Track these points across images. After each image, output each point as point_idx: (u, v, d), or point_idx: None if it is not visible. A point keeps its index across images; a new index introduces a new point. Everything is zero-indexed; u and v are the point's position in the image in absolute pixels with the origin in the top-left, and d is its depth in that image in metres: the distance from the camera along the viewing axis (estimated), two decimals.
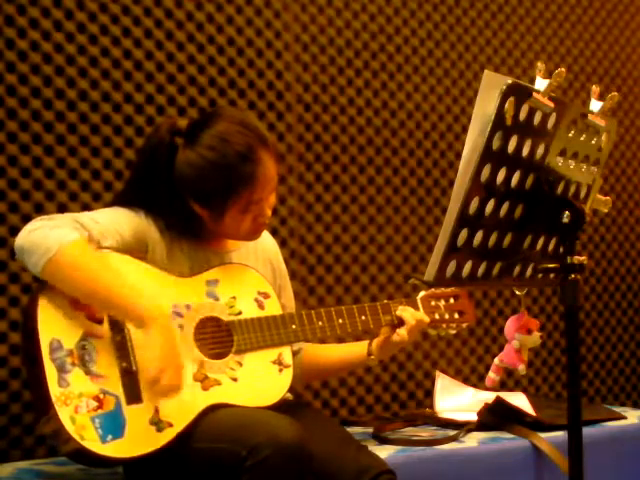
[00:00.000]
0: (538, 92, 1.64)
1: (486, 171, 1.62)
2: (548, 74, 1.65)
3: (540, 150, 1.72)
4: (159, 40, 2.70)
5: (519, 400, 2.76)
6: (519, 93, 1.62)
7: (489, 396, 2.74)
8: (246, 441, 1.85)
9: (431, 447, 2.41)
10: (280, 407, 2.04)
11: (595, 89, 1.82)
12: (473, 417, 2.62)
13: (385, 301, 2.31)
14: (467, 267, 1.68)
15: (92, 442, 1.87)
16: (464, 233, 1.64)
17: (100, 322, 1.96)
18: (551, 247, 1.84)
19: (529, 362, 2.67)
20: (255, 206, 2.09)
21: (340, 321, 2.22)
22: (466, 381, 3.12)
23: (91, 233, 1.97)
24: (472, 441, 2.49)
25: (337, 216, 3.01)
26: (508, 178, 1.68)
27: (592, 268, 3.53)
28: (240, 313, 2.12)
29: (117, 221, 2.03)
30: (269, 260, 2.30)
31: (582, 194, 1.87)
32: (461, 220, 1.62)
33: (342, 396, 2.99)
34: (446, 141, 3.22)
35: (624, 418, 2.78)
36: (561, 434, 2.49)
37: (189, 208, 2.09)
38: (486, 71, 1.61)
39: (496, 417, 2.59)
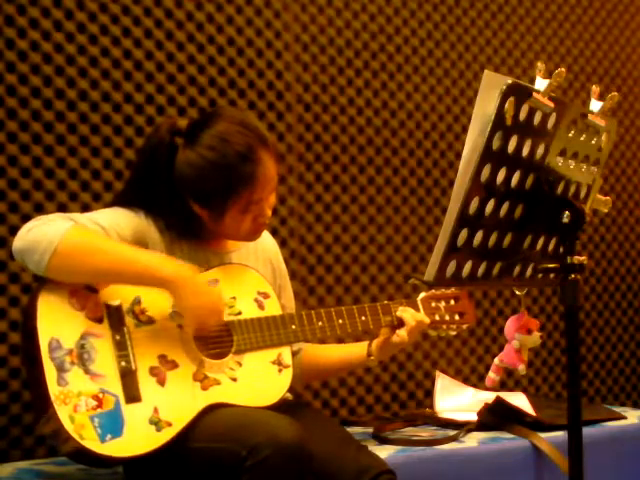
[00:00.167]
0: (538, 92, 1.64)
1: (486, 171, 1.62)
2: (548, 74, 1.65)
3: (540, 150, 1.72)
4: (159, 40, 2.70)
5: (519, 400, 2.76)
6: (519, 93, 1.62)
7: (489, 396, 2.74)
8: (246, 441, 1.85)
9: (431, 447, 2.41)
10: (280, 407, 2.04)
11: (595, 89, 1.82)
12: (473, 417, 2.62)
13: (385, 302, 2.31)
14: (467, 267, 1.68)
15: (91, 441, 1.87)
16: (464, 233, 1.64)
17: (100, 321, 1.97)
18: (551, 247, 1.84)
19: (529, 362, 2.67)
20: (255, 206, 2.09)
21: (340, 321, 2.22)
22: (466, 381, 3.12)
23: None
24: (472, 441, 2.48)
25: (337, 216, 3.01)
26: (508, 178, 1.68)
27: (592, 268, 3.53)
28: (240, 313, 2.12)
29: (117, 221, 2.03)
30: (269, 260, 2.30)
31: (582, 194, 1.87)
32: (461, 220, 1.62)
33: (342, 396, 2.99)
34: (446, 141, 3.22)
35: (624, 418, 2.78)
36: (561, 434, 2.49)
37: (189, 208, 2.09)
38: (486, 71, 1.61)
39: (496, 417, 2.59)
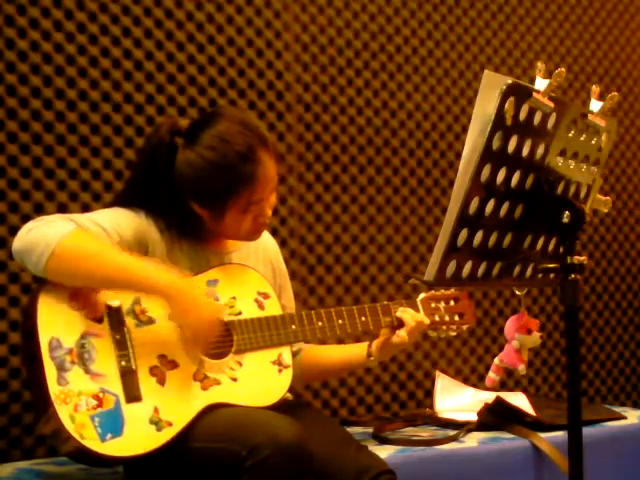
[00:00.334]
0: (538, 92, 1.64)
1: (486, 171, 1.62)
2: (548, 74, 1.65)
3: (540, 150, 1.72)
4: (159, 40, 2.70)
5: (519, 400, 2.76)
6: (519, 93, 1.62)
7: (489, 396, 2.74)
8: (246, 441, 1.85)
9: (431, 447, 2.41)
10: (280, 407, 2.04)
11: (595, 89, 1.82)
12: (473, 417, 2.62)
13: (385, 302, 2.31)
14: (467, 267, 1.68)
15: (91, 441, 1.87)
16: (464, 233, 1.64)
17: (100, 321, 1.97)
18: (551, 247, 1.84)
19: (529, 362, 2.67)
20: (255, 206, 2.09)
21: (340, 322, 2.22)
22: (466, 381, 3.12)
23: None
24: (472, 441, 2.48)
25: (337, 216, 3.01)
26: (508, 178, 1.68)
27: (592, 268, 3.53)
28: (240, 313, 2.12)
29: (117, 222, 2.03)
30: (269, 260, 2.30)
31: (582, 194, 1.87)
32: (461, 220, 1.62)
33: (342, 396, 2.99)
34: (446, 141, 3.22)
35: (624, 418, 2.78)
36: (561, 434, 2.49)
37: (189, 208, 2.09)
38: (486, 71, 1.62)
39: (496, 417, 2.59)
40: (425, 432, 2.58)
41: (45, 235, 1.91)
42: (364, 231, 3.06)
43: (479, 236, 1.67)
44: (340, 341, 2.59)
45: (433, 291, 2.39)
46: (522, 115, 1.64)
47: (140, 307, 2.01)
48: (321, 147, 2.99)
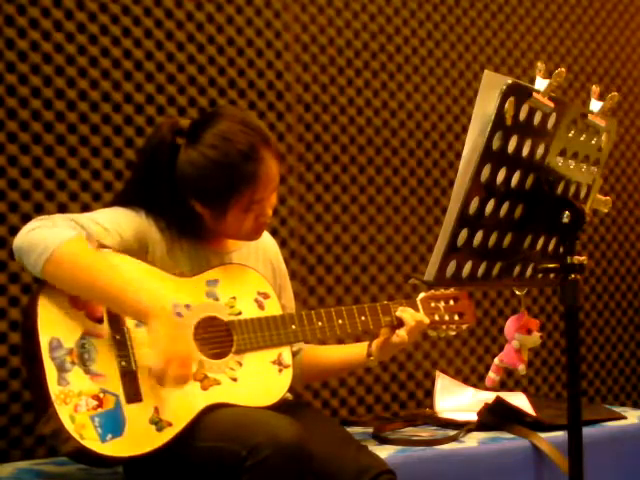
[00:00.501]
0: (538, 92, 1.64)
1: (486, 171, 1.62)
2: (548, 74, 1.65)
3: (540, 150, 1.72)
4: (159, 40, 2.70)
5: (519, 400, 2.76)
6: (519, 93, 1.62)
7: (489, 396, 2.74)
8: (246, 441, 1.85)
9: (431, 447, 2.41)
10: (280, 407, 2.04)
11: (595, 89, 1.82)
12: (473, 417, 2.62)
13: (385, 302, 2.31)
14: (467, 267, 1.68)
15: (91, 441, 1.87)
16: (464, 233, 1.64)
17: (100, 321, 1.96)
18: (551, 247, 1.84)
19: (529, 362, 2.67)
20: (257, 205, 2.09)
21: (340, 322, 2.22)
22: (466, 381, 3.12)
23: (90, 234, 1.97)
24: (472, 441, 2.48)
25: (337, 216, 3.01)
26: (508, 178, 1.68)
27: (592, 268, 3.53)
28: (240, 313, 2.11)
29: (117, 221, 2.03)
30: (269, 260, 2.30)
31: (582, 194, 1.87)
32: (461, 220, 1.62)
33: (342, 396, 2.99)
34: (446, 141, 3.22)
35: (624, 418, 2.78)
36: (561, 434, 2.49)
37: (190, 208, 2.09)
38: (486, 71, 1.62)
39: (496, 417, 2.59)
40: (425, 432, 2.58)
41: (46, 238, 1.91)
42: (364, 231, 3.06)
43: (479, 236, 1.67)
44: (340, 341, 2.59)
45: (433, 291, 2.39)
46: (522, 115, 1.63)
47: None
48: (321, 147, 2.99)
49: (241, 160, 2.04)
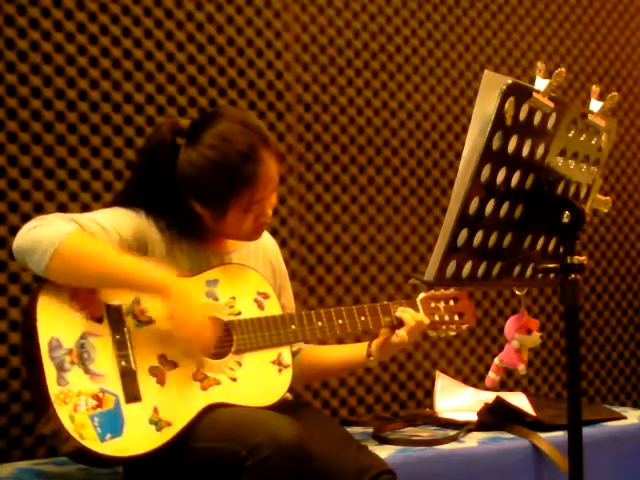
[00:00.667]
0: (538, 92, 1.64)
1: (486, 171, 1.62)
2: (548, 74, 1.65)
3: (540, 150, 1.72)
4: (159, 40, 2.70)
5: (519, 400, 2.76)
6: (519, 93, 1.62)
7: (489, 396, 2.74)
8: (246, 441, 1.85)
9: (431, 447, 2.41)
10: (280, 407, 2.04)
11: (595, 89, 1.82)
12: (473, 417, 2.62)
13: (385, 302, 2.31)
14: (467, 267, 1.68)
15: (91, 441, 1.87)
16: (464, 233, 1.64)
17: (100, 321, 1.97)
18: (551, 247, 1.84)
19: (529, 362, 2.67)
20: (256, 205, 2.09)
21: (340, 322, 2.22)
22: (466, 381, 3.12)
23: (90, 233, 1.97)
24: (472, 441, 2.48)
25: (337, 216, 3.01)
26: (508, 178, 1.68)
27: (592, 268, 3.53)
28: (240, 313, 2.11)
29: (117, 221, 2.03)
30: (269, 260, 2.30)
31: (582, 194, 1.87)
32: (461, 220, 1.62)
33: (342, 396, 2.99)
34: (446, 141, 3.22)
35: (624, 418, 2.78)
36: (561, 434, 2.49)
37: (190, 208, 2.09)
38: (486, 71, 1.62)
39: (496, 417, 2.59)
40: (425, 432, 2.58)
41: (50, 234, 1.91)
42: (364, 231, 3.06)
43: (479, 236, 1.67)
44: (340, 341, 2.59)
45: (433, 291, 2.39)
46: (522, 115, 1.63)
47: (140, 307, 2.01)
48: (321, 147, 2.99)
49: (240, 161, 2.04)
